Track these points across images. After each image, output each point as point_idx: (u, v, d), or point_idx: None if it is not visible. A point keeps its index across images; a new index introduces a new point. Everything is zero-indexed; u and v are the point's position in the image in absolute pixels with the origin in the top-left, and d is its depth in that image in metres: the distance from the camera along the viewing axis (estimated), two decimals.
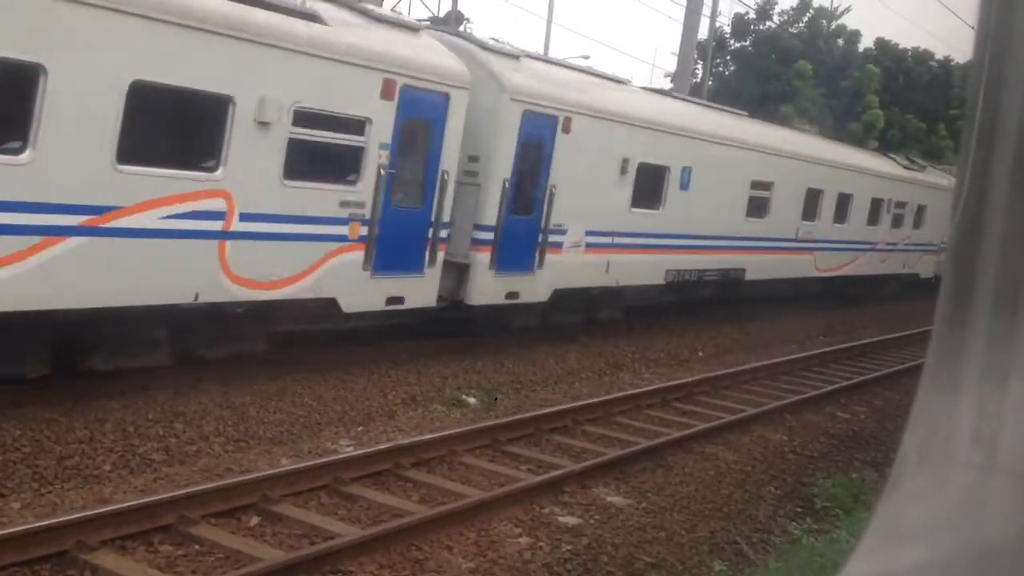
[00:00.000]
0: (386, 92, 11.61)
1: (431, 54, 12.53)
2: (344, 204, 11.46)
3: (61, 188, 8.66)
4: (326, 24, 10.91)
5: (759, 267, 20.75)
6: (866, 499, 9.74)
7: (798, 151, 21.82)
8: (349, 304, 11.79)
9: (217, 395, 10.53)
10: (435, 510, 8.01)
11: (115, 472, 8.35)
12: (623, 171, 15.93)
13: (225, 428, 9.73)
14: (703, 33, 33.07)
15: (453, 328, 14.44)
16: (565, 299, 15.61)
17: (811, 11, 46.28)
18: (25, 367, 9.47)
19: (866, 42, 48.41)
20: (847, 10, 48.30)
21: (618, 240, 16.18)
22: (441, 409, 11.62)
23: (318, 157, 11.20)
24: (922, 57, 48.56)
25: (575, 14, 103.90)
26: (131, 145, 9.06)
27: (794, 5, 46.15)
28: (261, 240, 10.53)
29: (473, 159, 13.46)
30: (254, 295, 10.64)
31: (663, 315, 19.21)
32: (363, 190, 11.64)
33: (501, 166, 13.71)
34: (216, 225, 10.06)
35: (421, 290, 12.72)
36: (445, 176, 12.73)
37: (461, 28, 25.03)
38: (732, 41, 45.64)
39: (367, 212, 11.70)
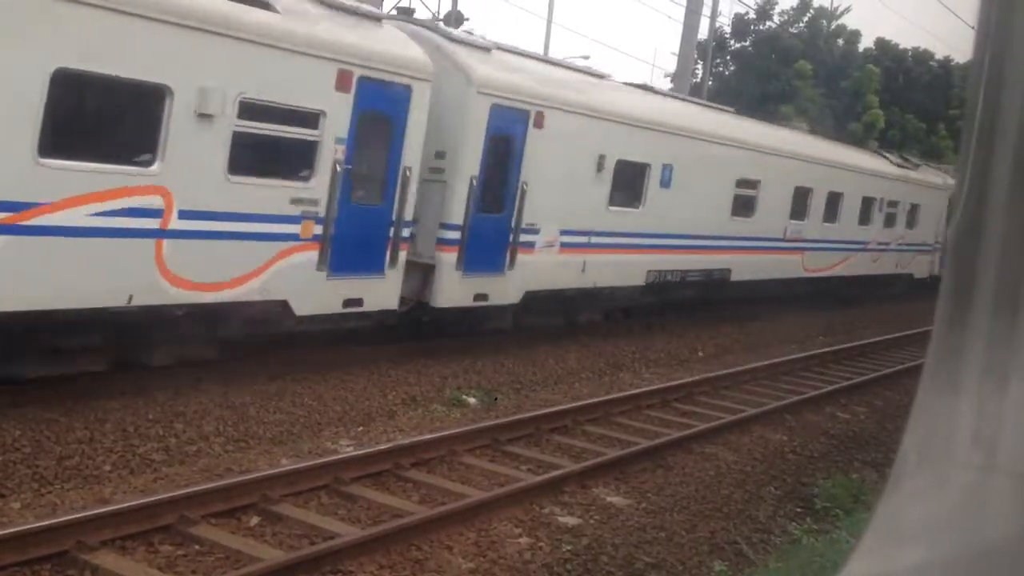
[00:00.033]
0: (341, 84, 11.08)
1: (391, 44, 11.98)
2: (296, 201, 10.92)
3: None
4: (275, 11, 10.40)
5: (745, 267, 20.28)
6: (866, 499, 9.74)
7: (786, 148, 21.37)
8: (302, 306, 11.21)
9: (217, 395, 10.53)
10: (435, 510, 8.01)
11: (115, 472, 8.35)
12: (600, 168, 15.47)
13: (225, 428, 9.73)
14: (703, 33, 33.10)
15: (419, 331, 14.00)
16: (539, 301, 15.12)
17: (811, 11, 46.31)
18: None
19: (866, 42, 48.47)
20: (847, 10, 48.35)
21: (595, 240, 15.69)
22: (441, 409, 11.62)
23: (267, 152, 10.69)
24: (922, 57, 48.57)
25: (575, 14, 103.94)
26: (56, 138, 8.55)
27: (794, 5, 46.20)
28: (203, 239, 9.97)
29: (439, 155, 12.98)
30: (195, 297, 10.04)
31: (652, 316, 18.76)
32: (317, 187, 11.12)
33: (468, 162, 13.18)
34: (152, 223, 9.49)
35: (381, 292, 12.19)
36: (407, 172, 12.17)
37: (460, 28, 25.04)
38: (732, 41, 45.65)
39: (321, 210, 11.16)
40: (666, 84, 32.75)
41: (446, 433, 10.11)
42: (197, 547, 6.96)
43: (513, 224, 14.05)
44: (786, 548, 8.59)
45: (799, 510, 9.66)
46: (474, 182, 13.23)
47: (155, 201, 9.47)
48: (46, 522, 6.71)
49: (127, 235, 9.31)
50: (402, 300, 12.65)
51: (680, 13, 26.49)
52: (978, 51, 1.13)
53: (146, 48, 9.09)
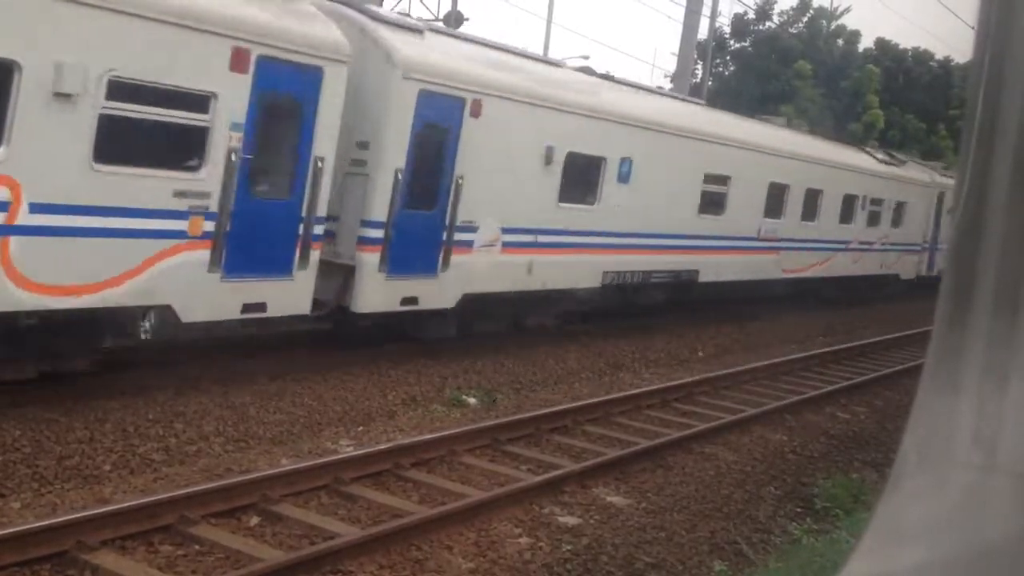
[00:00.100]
0: (237, 63, 9.91)
1: (299, 21, 10.74)
2: (181, 194, 9.72)
3: None
4: None
5: (715, 268, 19.18)
6: (866, 499, 9.74)
7: (759, 143, 20.22)
8: (190, 312, 10.01)
9: (217, 395, 10.54)
10: (435, 510, 8.01)
11: (115, 472, 8.35)
12: (547, 161, 14.32)
13: (225, 428, 9.73)
14: (703, 33, 33.10)
15: (336, 339, 13.06)
16: (483, 304, 14.11)
17: (811, 11, 46.37)
18: None
19: (866, 42, 48.54)
20: (847, 10, 48.43)
21: (543, 239, 14.57)
22: (441, 409, 11.62)
23: (144, 138, 9.48)
24: (922, 57, 48.61)
25: (575, 14, 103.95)
26: None
27: (794, 5, 46.29)
28: (61, 236, 8.77)
29: (362, 145, 11.86)
30: (51, 303, 8.81)
31: (613, 320, 17.72)
32: (208, 178, 9.92)
33: (392, 154, 11.98)
34: None
35: (289, 295, 11.00)
36: (319, 163, 11.02)
37: (460, 28, 25.07)
38: (732, 41, 45.69)
39: (214, 204, 9.98)
40: (666, 84, 32.79)
41: (446, 433, 10.11)
42: (197, 547, 6.96)
43: (447, 221, 12.92)
44: (786, 548, 8.59)
45: (799, 510, 9.66)
46: (400, 175, 12.07)
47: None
48: (46, 522, 6.71)
49: None
50: (318, 304, 11.56)
51: (680, 13, 26.52)
52: (978, 51, 1.13)
53: None
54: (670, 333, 18.41)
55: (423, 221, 12.63)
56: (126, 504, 7.22)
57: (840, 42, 47.12)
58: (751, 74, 42.52)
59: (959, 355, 1.12)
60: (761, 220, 20.52)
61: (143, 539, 6.96)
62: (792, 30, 45.43)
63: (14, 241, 8.49)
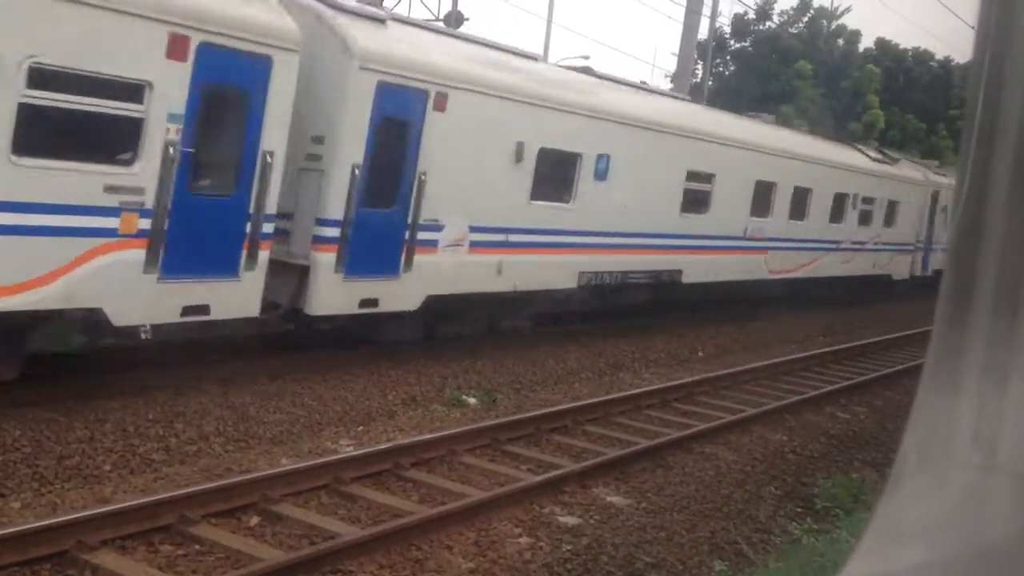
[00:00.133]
0: (175, 50, 9.29)
1: (244, 6, 10.14)
2: (112, 189, 9.11)
3: None
4: None
5: (699, 268, 18.53)
6: (866, 499, 9.74)
7: (745, 140, 19.55)
8: (122, 315, 9.38)
9: (217, 395, 10.54)
10: (435, 510, 8.01)
11: (115, 472, 8.35)
12: (518, 158, 13.69)
13: (225, 428, 9.74)
14: (703, 33, 33.11)
15: (292, 342, 12.34)
16: (451, 306, 13.59)
17: (811, 11, 46.39)
18: None
19: (866, 42, 48.55)
20: (847, 10, 48.43)
21: (514, 238, 13.96)
22: (441, 409, 11.62)
23: (71, 129, 8.92)
24: (922, 57, 48.62)
25: (575, 14, 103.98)
26: None
27: (794, 5, 46.30)
28: None
29: (317, 140, 11.31)
30: None
31: (591, 322, 17.30)
32: (142, 172, 9.31)
33: (349, 149, 11.39)
34: None
35: (235, 297, 10.39)
36: (268, 158, 10.39)
37: (460, 28, 25.08)
38: (732, 41, 45.71)
39: (149, 200, 9.38)
40: (667, 84, 32.80)
41: (446, 433, 10.11)
42: (197, 547, 6.97)
43: (409, 220, 12.27)
44: (786, 548, 8.59)
45: (799, 510, 9.66)
46: (357, 171, 11.46)
47: None
48: (46, 522, 6.72)
49: None
50: (271, 306, 11.08)
51: (680, 13, 26.52)
52: (978, 51, 1.13)
53: None
54: (670, 333, 18.41)
55: (383, 219, 12.05)
56: (126, 504, 7.23)
57: (840, 42, 47.14)
58: (751, 74, 42.53)
59: (959, 355, 1.12)
60: (747, 219, 19.98)
61: (143, 539, 6.97)
62: (792, 30, 45.45)
63: None
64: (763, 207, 20.42)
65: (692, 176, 17.85)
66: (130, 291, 9.44)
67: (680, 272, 18.08)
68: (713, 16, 33.70)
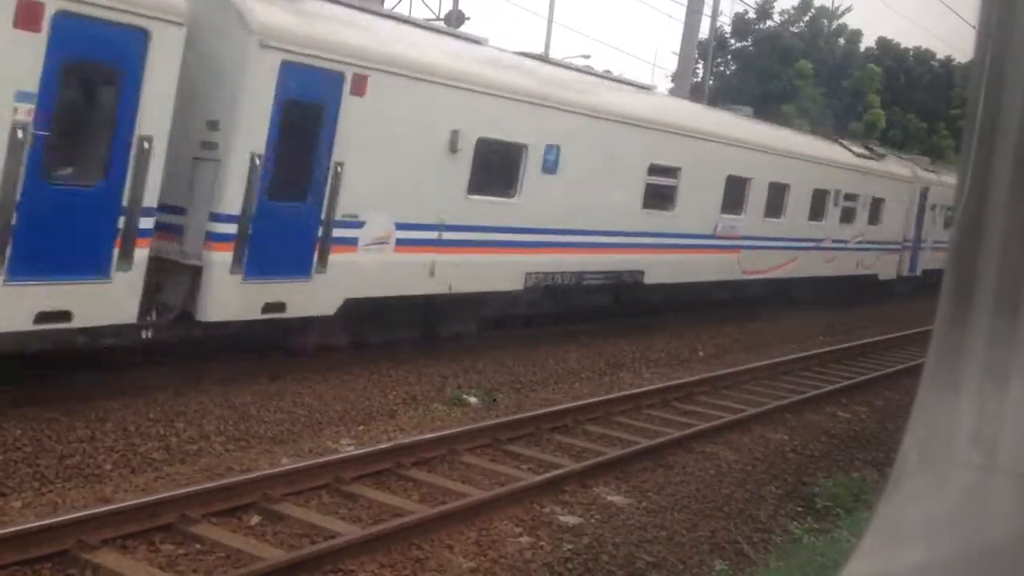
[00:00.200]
0: (25, 19, 8.21)
1: None
2: None
3: None
4: None
5: (663, 269, 17.32)
6: (867, 499, 9.74)
7: (715, 132, 18.43)
8: None
9: (218, 394, 10.54)
10: (436, 509, 8.01)
11: (116, 471, 8.36)
12: (453, 148, 12.52)
13: (226, 427, 9.74)
14: (704, 32, 33.13)
15: (187, 349, 10.99)
16: (378, 310, 12.53)
17: (812, 10, 46.43)
18: None
19: (867, 41, 48.63)
20: (848, 9, 48.52)
21: (448, 236, 12.82)
22: (442, 408, 11.62)
23: None
24: (923, 57, 48.65)
25: (576, 14, 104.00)
26: None
27: (795, 5, 46.35)
28: None
29: (211, 126, 10.21)
30: None
31: (542, 326, 16.40)
32: None
33: (247, 135, 10.26)
34: None
35: (105, 301, 9.25)
36: (146, 144, 9.23)
37: (461, 27, 25.08)
38: (733, 40, 45.73)
39: None
40: (668, 84, 32.81)
41: (447, 432, 10.11)
42: (198, 546, 6.97)
43: (323, 215, 11.15)
44: (787, 547, 8.59)
45: (800, 509, 9.66)
46: (258, 161, 10.33)
47: None
48: (47, 521, 6.72)
49: None
50: (160, 309, 10.07)
51: (681, 13, 26.56)
52: (979, 51, 1.13)
53: None
54: (670, 333, 18.40)
55: (292, 214, 10.91)
56: (127, 503, 7.23)
57: (841, 41, 47.19)
58: (752, 73, 42.55)
59: (960, 354, 1.12)
60: (718, 216, 18.80)
61: (144, 538, 6.97)
62: (793, 29, 45.47)
63: None
64: (736, 204, 19.29)
65: (655, 170, 16.72)
66: None
67: (642, 273, 16.97)
68: (714, 15, 33.73)
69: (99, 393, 9.84)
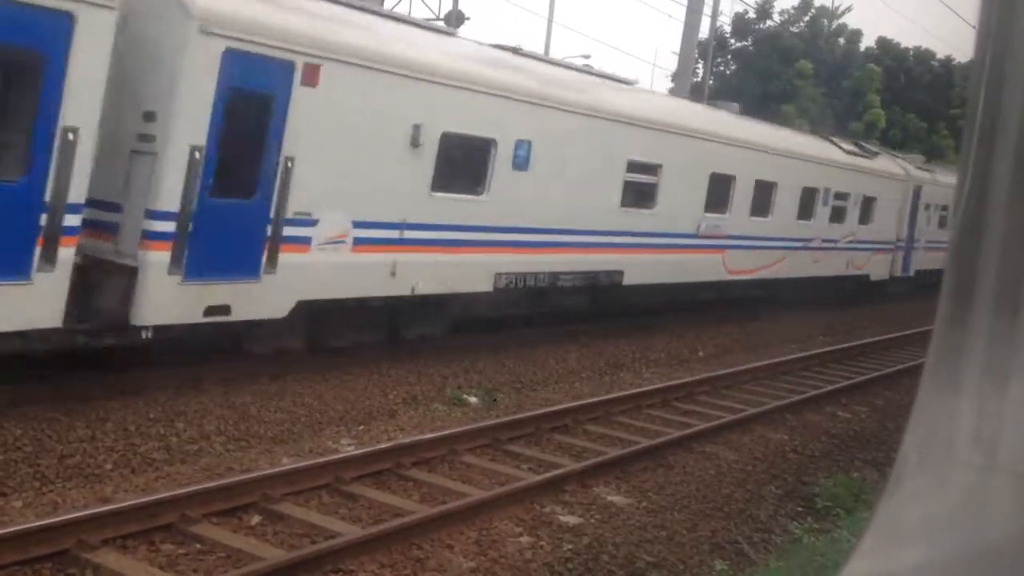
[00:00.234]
0: None
1: None
2: None
3: None
4: None
5: (643, 269, 16.77)
6: (867, 499, 9.75)
7: (698, 128, 17.87)
8: None
9: (218, 394, 10.54)
10: (436, 509, 8.01)
11: (116, 471, 8.36)
12: (415, 143, 11.93)
13: (226, 427, 9.74)
14: (704, 32, 33.14)
15: (124, 357, 10.34)
16: (336, 313, 12.03)
17: (812, 10, 46.45)
18: None
19: (867, 41, 48.66)
20: (848, 9, 48.55)
21: (410, 235, 12.27)
22: (442, 408, 11.62)
23: None
24: (923, 56, 48.67)
25: (576, 14, 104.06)
26: None
27: (795, 4, 46.37)
28: None
29: (148, 117, 9.62)
30: None
31: (512, 329, 15.79)
32: None
33: (186, 127, 9.65)
34: None
35: (25, 303, 8.62)
36: (71, 136, 8.63)
37: (461, 27, 25.09)
38: (733, 40, 45.75)
39: None
40: (668, 84, 32.80)
41: (447, 432, 10.11)
42: (198, 546, 6.97)
43: (273, 213, 10.55)
44: (787, 547, 8.59)
45: (800, 509, 9.66)
46: (199, 155, 9.73)
47: None
48: (47, 521, 6.72)
49: None
50: (88, 313, 9.44)
51: (681, 12, 26.56)
52: (979, 50, 1.13)
53: None
54: (670, 333, 18.40)
55: (238, 212, 10.30)
56: (127, 503, 7.24)
57: (841, 41, 47.21)
58: (752, 73, 42.57)
59: (960, 354, 1.12)
60: (702, 215, 18.23)
61: (144, 538, 6.97)
62: (793, 29, 45.48)
63: None
64: (720, 202, 18.73)
65: (634, 167, 16.14)
66: None
67: (621, 273, 16.39)
68: (714, 15, 33.74)
69: (99, 393, 9.84)
